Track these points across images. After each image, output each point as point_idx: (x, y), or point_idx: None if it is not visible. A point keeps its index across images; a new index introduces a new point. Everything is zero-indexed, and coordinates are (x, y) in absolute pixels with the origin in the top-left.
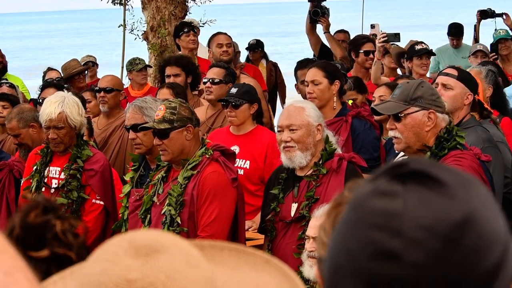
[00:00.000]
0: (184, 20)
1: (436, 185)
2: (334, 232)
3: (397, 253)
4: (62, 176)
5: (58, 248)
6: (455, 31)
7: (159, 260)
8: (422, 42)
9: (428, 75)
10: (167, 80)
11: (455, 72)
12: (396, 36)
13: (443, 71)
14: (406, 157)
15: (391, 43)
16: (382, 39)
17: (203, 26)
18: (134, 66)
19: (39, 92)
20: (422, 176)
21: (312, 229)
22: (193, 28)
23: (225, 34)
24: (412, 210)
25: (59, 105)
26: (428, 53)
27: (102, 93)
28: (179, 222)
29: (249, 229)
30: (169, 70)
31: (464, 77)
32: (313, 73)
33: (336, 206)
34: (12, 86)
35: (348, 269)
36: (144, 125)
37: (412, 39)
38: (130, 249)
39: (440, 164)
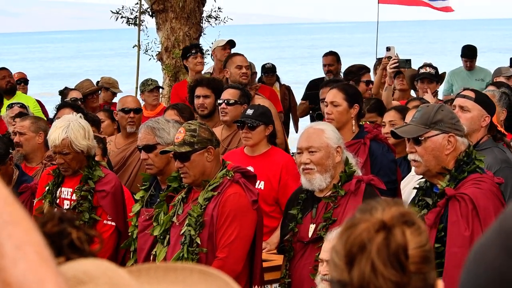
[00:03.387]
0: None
1: None
2: (481, 259)
3: None
4: (74, 197)
5: (73, 255)
6: (469, 53)
7: None
8: (428, 65)
9: (441, 97)
10: (196, 101)
11: (472, 94)
12: (408, 62)
13: (460, 93)
14: (423, 179)
15: (402, 69)
16: (393, 65)
17: None
18: (146, 86)
19: (55, 112)
20: None
21: (326, 252)
22: (201, 50)
23: (242, 55)
24: None
25: (63, 131)
26: (430, 77)
27: (131, 114)
28: (199, 242)
29: (263, 250)
30: (199, 91)
31: (481, 99)
32: (333, 95)
33: (348, 228)
34: (23, 106)
35: None
36: (164, 149)
37: (426, 62)
38: None
39: None
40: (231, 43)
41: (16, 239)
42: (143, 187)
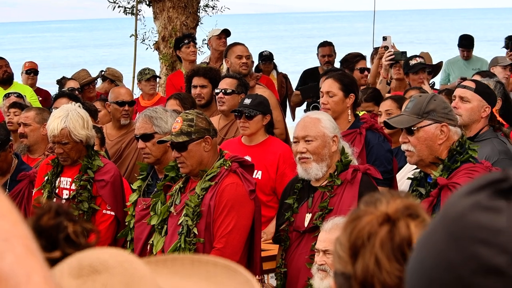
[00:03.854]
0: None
1: None
2: (426, 243)
3: (503, 270)
4: (73, 187)
5: (69, 249)
6: (466, 42)
7: (96, 281)
8: (417, 56)
9: (437, 86)
10: (193, 90)
11: (472, 85)
12: (403, 54)
13: (461, 84)
14: (418, 170)
15: (398, 60)
16: (388, 57)
17: None
18: (143, 76)
19: (52, 102)
20: None
21: (322, 242)
22: (193, 40)
23: (243, 45)
24: None
25: (62, 120)
26: (423, 67)
27: (126, 107)
28: (196, 232)
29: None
30: (196, 81)
31: (482, 90)
32: (329, 85)
33: (352, 220)
34: (19, 96)
35: (448, 283)
36: (162, 139)
37: (423, 51)
38: (76, 269)
39: None
40: (226, 32)
41: (3, 231)
42: (140, 177)
